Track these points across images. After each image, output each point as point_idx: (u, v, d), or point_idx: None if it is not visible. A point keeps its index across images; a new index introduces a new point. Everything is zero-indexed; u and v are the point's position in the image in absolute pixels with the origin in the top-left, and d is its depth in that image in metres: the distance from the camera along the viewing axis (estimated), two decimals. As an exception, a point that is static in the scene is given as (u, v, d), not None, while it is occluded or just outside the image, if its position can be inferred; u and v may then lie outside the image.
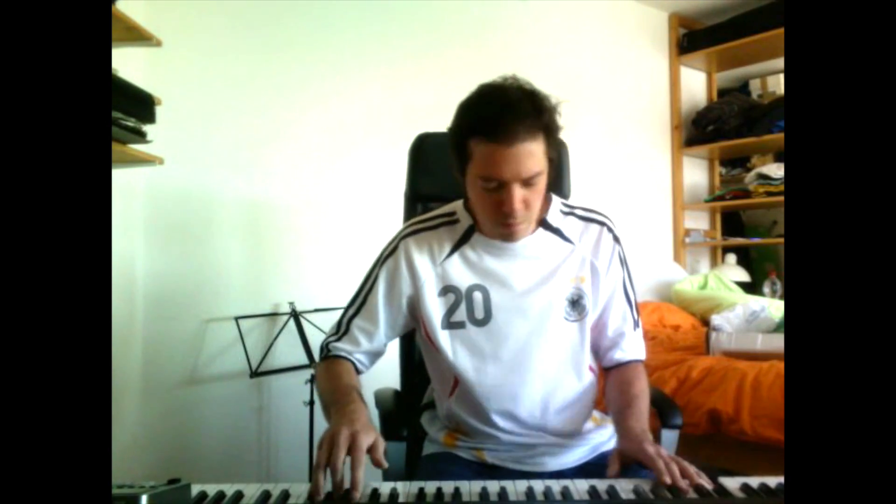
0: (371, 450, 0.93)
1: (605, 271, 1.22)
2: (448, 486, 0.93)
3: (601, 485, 0.95)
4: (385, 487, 0.93)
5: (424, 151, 1.59)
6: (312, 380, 2.23)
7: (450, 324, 1.19)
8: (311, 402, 2.23)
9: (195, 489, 0.90)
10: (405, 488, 0.93)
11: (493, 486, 0.93)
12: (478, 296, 1.18)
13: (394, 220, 2.03)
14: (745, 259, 3.87)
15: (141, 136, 1.93)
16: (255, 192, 2.42)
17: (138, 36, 2.00)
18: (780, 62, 3.71)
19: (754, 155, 3.97)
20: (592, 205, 1.28)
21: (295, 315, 2.32)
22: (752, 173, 3.49)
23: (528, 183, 1.06)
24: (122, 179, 2.08)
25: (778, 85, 3.85)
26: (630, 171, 3.52)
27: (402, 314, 1.22)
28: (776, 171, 3.37)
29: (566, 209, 1.24)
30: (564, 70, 3.15)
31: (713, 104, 3.70)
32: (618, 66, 3.49)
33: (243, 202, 2.40)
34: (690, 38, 3.69)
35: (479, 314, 1.18)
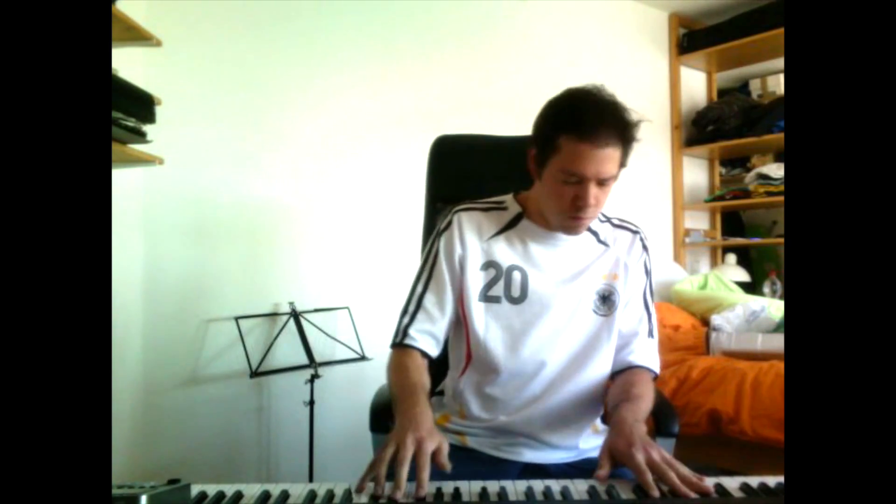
0: (435, 453, 0.97)
1: (633, 274, 1.30)
2: (448, 486, 0.93)
3: (601, 485, 0.95)
4: (385, 488, 0.92)
5: (443, 153, 1.61)
6: (312, 380, 2.23)
7: (487, 297, 1.25)
8: (311, 402, 2.23)
9: (195, 489, 0.90)
10: (405, 488, 0.93)
11: (493, 486, 0.93)
12: (516, 275, 1.25)
13: (393, 219, 2.03)
14: (745, 259, 3.87)
15: (141, 136, 1.93)
16: (255, 192, 2.42)
17: (138, 36, 2.00)
18: (780, 62, 3.71)
19: (754, 155, 3.97)
20: (626, 216, 1.37)
21: (295, 315, 2.32)
22: (752, 173, 3.49)
23: (602, 183, 1.17)
24: (122, 179, 2.08)
25: (778, 85, 3.84)
26: (630, 170, 3.48)
27: (458, 276, 1.27)
28: (776, 171, 3.37)
29: (603, 218, 1.34)
30: (564, 70, 3.15)
31: (713, 104, 3.70)
32: (618, 66, 3.48)
33: (243, 202, 2.40)
34: (690, 38, 3.69)
35: (516, 292, 1.25)
